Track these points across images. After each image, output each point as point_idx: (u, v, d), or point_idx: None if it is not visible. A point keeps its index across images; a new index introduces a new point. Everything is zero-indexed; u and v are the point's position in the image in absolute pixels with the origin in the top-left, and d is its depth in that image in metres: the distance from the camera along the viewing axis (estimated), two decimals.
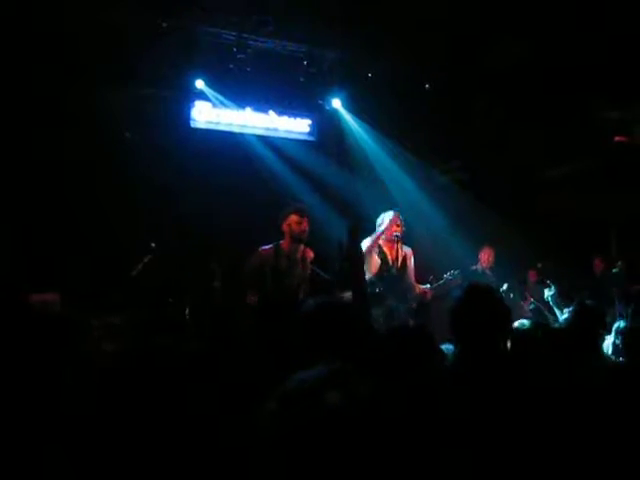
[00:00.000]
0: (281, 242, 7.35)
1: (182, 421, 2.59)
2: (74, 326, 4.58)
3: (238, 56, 9.71)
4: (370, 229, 7.86)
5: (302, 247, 7.38)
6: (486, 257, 9.97)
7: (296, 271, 7.29)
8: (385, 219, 7.67)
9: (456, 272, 8.04)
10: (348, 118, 11.08)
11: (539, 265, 10.19)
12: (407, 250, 7.86)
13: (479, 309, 3.20)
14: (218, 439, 2.58)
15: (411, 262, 7.86)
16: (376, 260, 7.62)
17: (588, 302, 5.84)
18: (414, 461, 1.81)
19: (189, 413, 2.64)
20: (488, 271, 9.86)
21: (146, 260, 7.99)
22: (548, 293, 8.11)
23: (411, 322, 7.35)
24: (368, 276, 7.52)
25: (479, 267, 9.94)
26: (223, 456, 2.48)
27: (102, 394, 2.85)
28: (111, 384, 2.83)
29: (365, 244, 7.46)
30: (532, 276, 10.52)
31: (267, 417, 1.66)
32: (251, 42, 9.70)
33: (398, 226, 7.61)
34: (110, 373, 2.95)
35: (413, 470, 1.79)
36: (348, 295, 7.42)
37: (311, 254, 7.47)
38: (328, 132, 11.28)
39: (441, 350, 3.65)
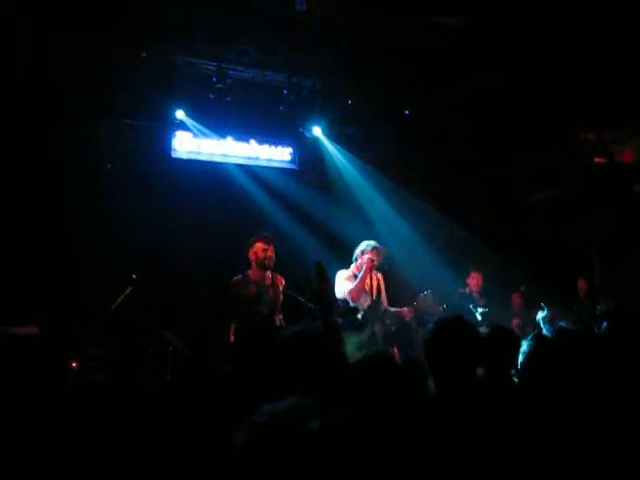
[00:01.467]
0: (249, 271, 7.51)
1: (157, 451, 2.58)
2: (48, 363, 4.56)
3: (218, 86, 9.73)
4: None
5: (270, 274, 7.50)
6: (475, 282, 10.00)
7: (266, 298, 7.36)
8: (365, 249, 7.73)
9: (429, 291, 8.17)
10: (329, 145, 11.11)
11: (522, 288, 10.19)
12: (378, 275, 7.95)
13: (449, 342, 3.21)
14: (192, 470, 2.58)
15: (383, 286, 7.96)
16: (360, 289, 7.67)
17: (567, 326, 5.89)
18: None
19: (163, 445, 2.63)
20: (476, 295, 9.88)
21: (127, 292, 7.95)
22: (540, 315, 8.12)
23: (393, 349, 7.39)
24: (354, 304, 7.62)
25: (467, 290, 9.97)
26: None
27: (77, 428, 2.83)
28: (89, 417, 2.81)
29: (353, 287, 7.57)
30: (516, 300, 10.51)
31: (237, 450, 1.64)
32: (231, 72, 9.74)
33: (377, 257, 7.73)
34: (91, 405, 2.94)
35: None
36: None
37: (282, 281, 7.60)
38: (309, 160, 11.30)
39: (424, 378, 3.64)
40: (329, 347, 3.48)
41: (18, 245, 8.79)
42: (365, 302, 7.66)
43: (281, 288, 7.50)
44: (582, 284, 10.22)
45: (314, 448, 1.59)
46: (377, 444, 1.73)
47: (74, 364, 7.28)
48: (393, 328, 7.76)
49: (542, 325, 7.99)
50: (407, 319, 7.86)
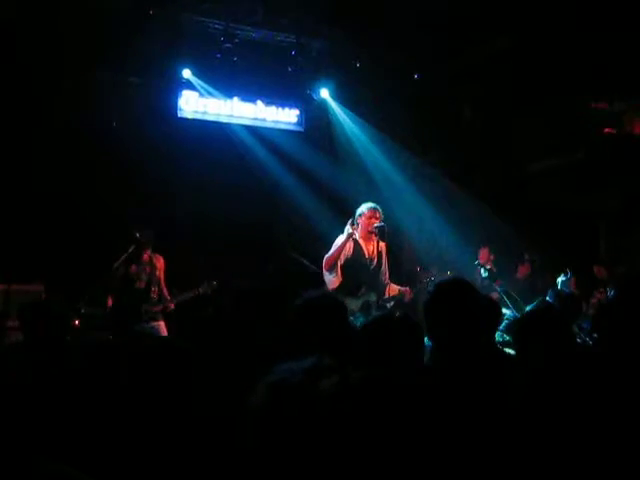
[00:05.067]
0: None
1: (170, 413, 2.56)
2: (54, 315, 4.58)
3: (225, 45, 9.62)
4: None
5: (149, 254, 8.26)
6: (483, 256, 10.03)
7: (143, 275, 8.19)
8: (366, 211, 7.52)
9: (434, 278, 7.94)
10: (336, 108, 11.02)
11: (526, 256, 10.15)
12: (382, 244, 7.57)
13: (449, 305, 3.14)
14: (206, 430, 2.56)
15: (385, 257, 7.65)
16: (339, 278, 7.46)
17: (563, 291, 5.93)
18: (407, 451, 1.78)
19: (176, 406, 2.61)
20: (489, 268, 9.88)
21: (130, 250, 7.94)
22: (562, 278, 8.07)
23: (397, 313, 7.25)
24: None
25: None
26: (209, 445, 2.47)
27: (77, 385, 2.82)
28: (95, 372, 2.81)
29: (329, 257, 7.43)
30: (522, 269, 10.46)
31: (256, 408, 1.63)
32: (239, 31, 9.62)
33: (377, 219, 7.43)
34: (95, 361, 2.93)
35: (405, 460, 1.75)
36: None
37: (161, 260, 8.36)
38: (316, 122, 11.23)
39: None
40: (342, 311, 3.46)
41: (24, 204, 8.79)
42: (338, 282, 7.44)
43: (158, 266, 8.30)
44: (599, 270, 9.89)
45: (329, 406, 1.58)
46: (391, 404, 1.70)
47: (76, 322, 7.32)
48: (389, 304, 7.51)
49: (560, 288, 7.89)
50: (406, 299, 7.67)
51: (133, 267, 8.16)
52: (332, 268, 7.41)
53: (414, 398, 2.36)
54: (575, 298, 6.18)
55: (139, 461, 2.36)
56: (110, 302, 8.07)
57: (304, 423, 1.57)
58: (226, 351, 3.69)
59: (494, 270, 9.40)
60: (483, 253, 10.07)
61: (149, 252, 8.24)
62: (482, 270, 8.60)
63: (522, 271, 10.31)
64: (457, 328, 3.09)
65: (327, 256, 7.43)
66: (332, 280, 7.46)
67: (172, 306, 8.24)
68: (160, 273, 8.32)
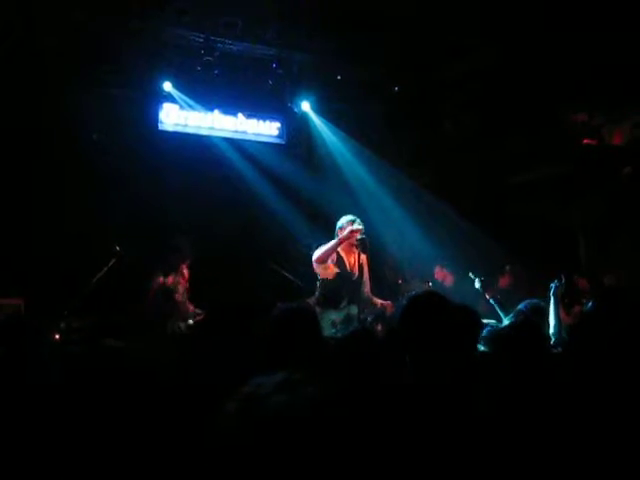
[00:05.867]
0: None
1: (147, 421, 2.56)
2: (31, 330, 4.54)
3: (206, 58, 9.61)
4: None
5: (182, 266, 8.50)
6: (439, 276, 10.08)
7: (180, 287, 8.40)
8: (345, 224, 7.51)
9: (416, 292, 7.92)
10: (317, 121, 11.04)
11: (507, 268, 10.18)
12: (363, 256, 7.60)
13: (420, 319, 3.14)
14: (178, 439, 2.57)
15: (367, 269, 7.68)
16: (332, 268, 7.45)
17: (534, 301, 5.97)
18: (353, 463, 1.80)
19: (154, 414, 2.61)
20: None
21: (111, 264, 7.91)
22: (555, 284, 8.05)
23: (377, 327, 7.26)
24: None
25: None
26: (181, 455, 2.47)
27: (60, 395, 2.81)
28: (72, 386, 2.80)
29: (323, 249, 7.41)
30: (503, 280, 10.49)
31: (226, 418, 1.66)
32: (219, 44, 9.61)
33: (357, 231, 7.41)
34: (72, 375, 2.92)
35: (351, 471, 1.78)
36: (312, 300, 7.42)
37: (185, 272, 8.49)
38: (297, 135, 11.25)
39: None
40: (315, 324, 3.47)
41: (3, 217, 8.73)
42: (332, 271, 7.45)
43: (186, 277, 8.51)
44: (581, 282, 9.94)
45: (279, 420, 1.61)
46: (340, 422, 1.72)
47: (57, 336, 7.27)
48: (370, 317, 7.51)
49: (551, 293, 7.87)
50: (388, 312, 7.63)
51: (170, 278, 8.28)
52: (325, 261, 7.38)
53: (368, 416, 2.37)
54: (543, 307, 6.23)
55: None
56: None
57: (260, 434, 1.60)
58: (206, 362, 3.68)
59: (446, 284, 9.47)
60: (437, 272, 10.14)
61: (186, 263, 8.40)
62: (476, 281, 8.63)
63: (503, 282, 10.32)
64: (430, 341, 3.08)
65: (322, 250, 7.37)
66: (327, 270, 7.43)
67: None
68: (187, 285, 8.47)
